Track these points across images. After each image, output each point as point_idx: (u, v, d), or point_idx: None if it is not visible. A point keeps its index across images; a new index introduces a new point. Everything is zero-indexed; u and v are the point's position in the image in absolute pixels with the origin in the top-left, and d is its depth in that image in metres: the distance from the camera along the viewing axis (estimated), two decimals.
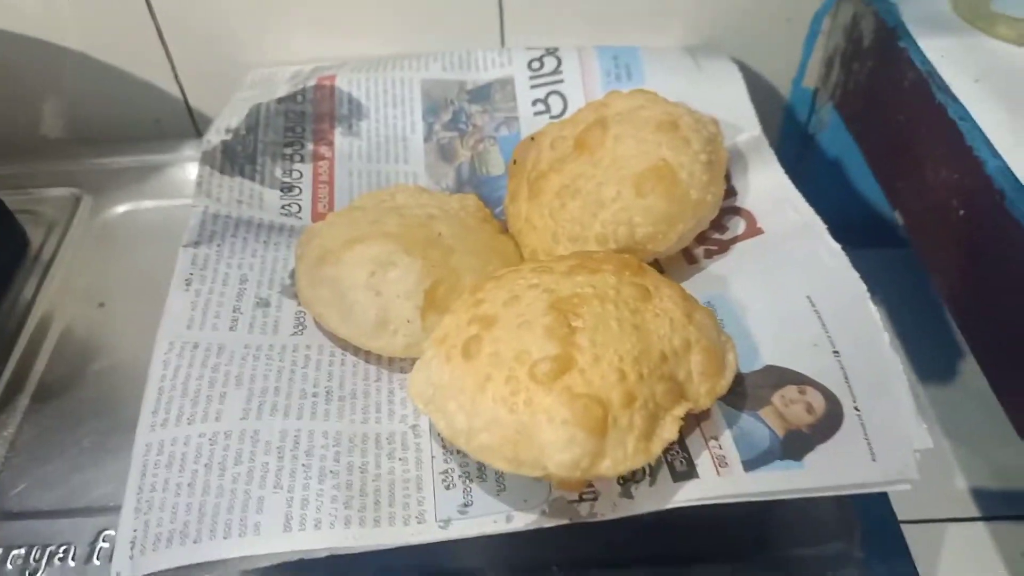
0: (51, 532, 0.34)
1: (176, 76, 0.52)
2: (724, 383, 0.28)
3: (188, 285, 0.34)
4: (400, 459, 0.29)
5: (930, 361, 0.55)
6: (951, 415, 0.52)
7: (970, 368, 0.54)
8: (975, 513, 0.49)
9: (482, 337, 0.27)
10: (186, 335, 0.33)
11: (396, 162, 0.44)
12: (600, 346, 0.26)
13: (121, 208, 0.48)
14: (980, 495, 0.49)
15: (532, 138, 0.40)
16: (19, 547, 0.34)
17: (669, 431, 0.26)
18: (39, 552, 0.33)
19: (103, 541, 0.34)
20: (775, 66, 0.54)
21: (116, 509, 0.34)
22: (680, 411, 0.27)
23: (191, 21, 0.49)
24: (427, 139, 0.45)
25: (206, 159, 0.40)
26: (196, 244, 0.36)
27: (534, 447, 0.25)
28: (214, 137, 0.42)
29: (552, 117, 0.45)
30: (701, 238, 0.37)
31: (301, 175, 0.42)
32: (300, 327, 0.34)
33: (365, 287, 0.33)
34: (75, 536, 0.34)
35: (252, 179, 0.41)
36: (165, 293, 0.42)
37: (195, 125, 0.54)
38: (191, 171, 0.50)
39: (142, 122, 0.54)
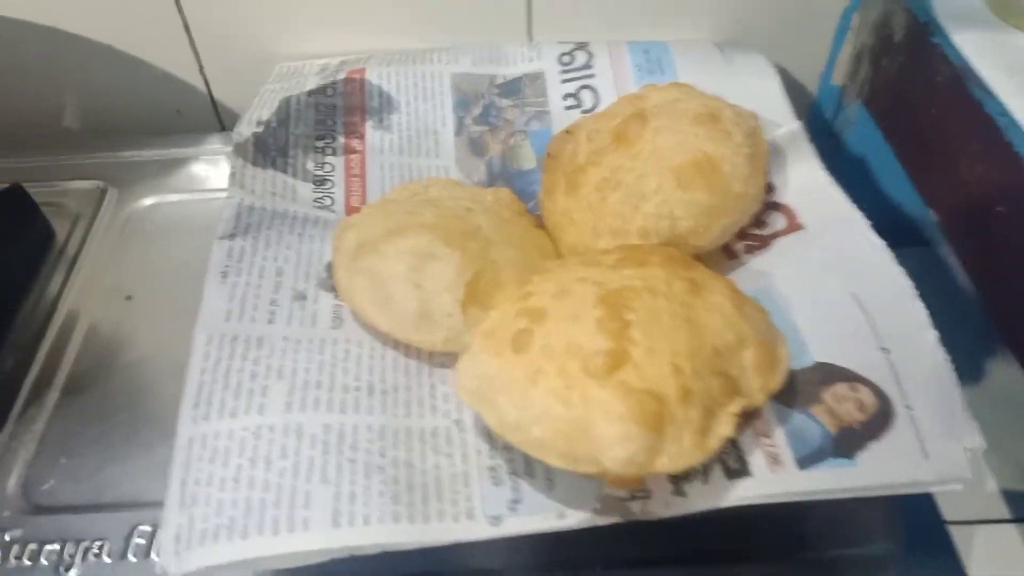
0: (84, 527, 0.34)
1: (201, 68, 0.51)
2: (778, 379, 0.28)
3: (224, 277, 0.34)
4: (446, 454, 0.29)
5: (958, 362, 0.55)
6: (980, 416, 0.52)
7: (1000, 369, 0.54)
8: (1006, 515, 0.48)
9: (532, 331, 0.27)
10: (224, 328, 0.32)
11: (427, 156, 0.43)
12: (654, 340, 0.26)
13: (147, 201, 0.48)
14: (1011, 497, 0.49)
15: (567, 131, 0.40)
16: (52, 542, 0.33)
17: (725, 427, 0.26)
18: (73, 547, 0.33)
19: (137, 536, 0.33)
20: (802, 63, 0.54)
21: (149, 504, 0.34)
22: (735, 407, 0.26)
23: (217, 13, 0.49)
24: (458, 133, 0.44)
25: (238, 151, 0.40)
26: (231, 236, 0.36)
27: (589, 442, 0.25)
28: (245, 129, 0.41)
29: (584, 111, 0.44)
30: (740, 233, 0.37)
31: (333, 168, 0.41)
32: (338, 321, 0.34)
33: (405, 279, 0.32)
34: (108, 531, 0.34)
35: (284, 172, 0.40)
36: (192, 286, 0.41)
37: (219, 118, 0.54)
38: (215, 164, 0.50)
39: (165, 114, 0.54)
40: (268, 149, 0.41)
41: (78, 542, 0.33)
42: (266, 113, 0.42)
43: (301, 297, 0.35)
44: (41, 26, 0.49)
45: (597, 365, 0.25)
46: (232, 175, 0.38)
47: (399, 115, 0.44)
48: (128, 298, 0.43)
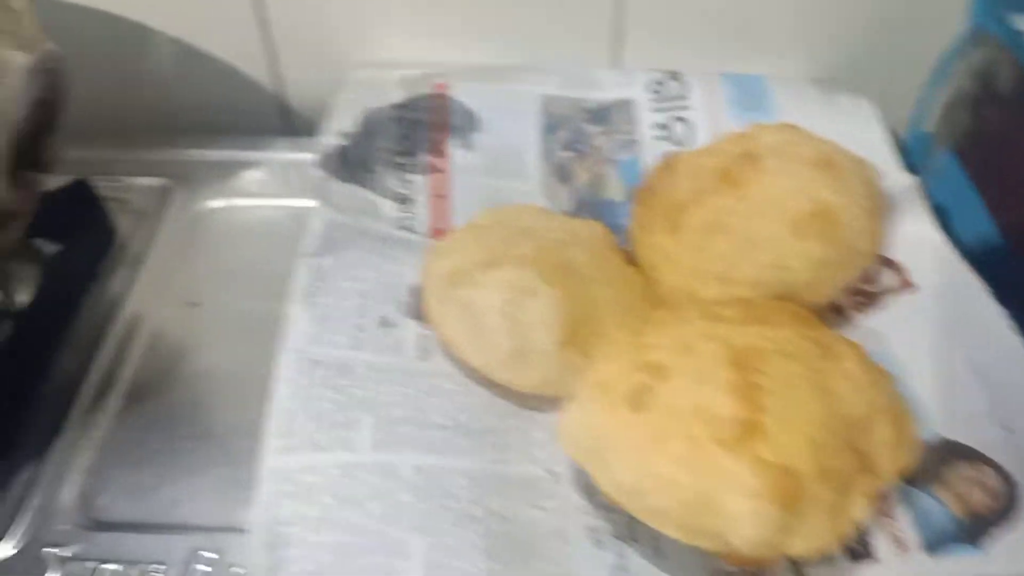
0: (143, 548, 0.32)
1: (274, 69, 0.50)
2: (910, 457, 0.26)
3: (309, 298, 0.33)
4: (542, 508, 0.27)
5: None
6: None
7: None
8: None
9: (654, 389, 0.25)
10: (309, 351, 0.31)
11: (512, 179, 0.42)
12: (788, 408, 0.24)
13: (212, 203, 0.46)
14: None
15: (666, 165, 0.38)
16: (110, 562, 0.32)
17: (859, 509, 0.24)
18: (132, 569, 0.32)
19: (200, 563, 0.32)
20: (890, 106, 0.52)
21: (213, 528, 0.32)
22: (868, 487, 0.24)
23: (296, 14, 0.48)
24: (544, 158, 0.43)
25: (323, 162, 0.38)
26: (317, 254, 0.34)
27: (715, 516, 0.23)
28: (328, 140, 0.40)
29: (674, 144, 0.43)
30: (848, 288, 0.35)
31: (417, 187, 0.40)
32: (424, 351, 0.32)
33: (501, 313, 0.31)
34: (169, 554, 0.32)
35: (367, 187, 0.39)
36: (258, 296, 0.40)
37: (287, 121, 0.53)
38: (282, 170, 0.48)
39: (233, 113, 0.52)
40: (351, 163, 0.39)
41: (135, 563, 0.32)
42: (348, 124, 0.41)
43: (386, 323, 0.33)
44: (110, 14, 0.48)
45: (728, 433, 0.23)
46: (318, 188, 0.37)
47: (484, 135, 0.43)
48: (193, 304, 0.41)
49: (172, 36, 0.49)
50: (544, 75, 0.45)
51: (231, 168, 0.48)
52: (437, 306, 0.32)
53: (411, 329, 0.33)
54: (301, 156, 0.47)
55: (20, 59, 0.31)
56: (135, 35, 0.49)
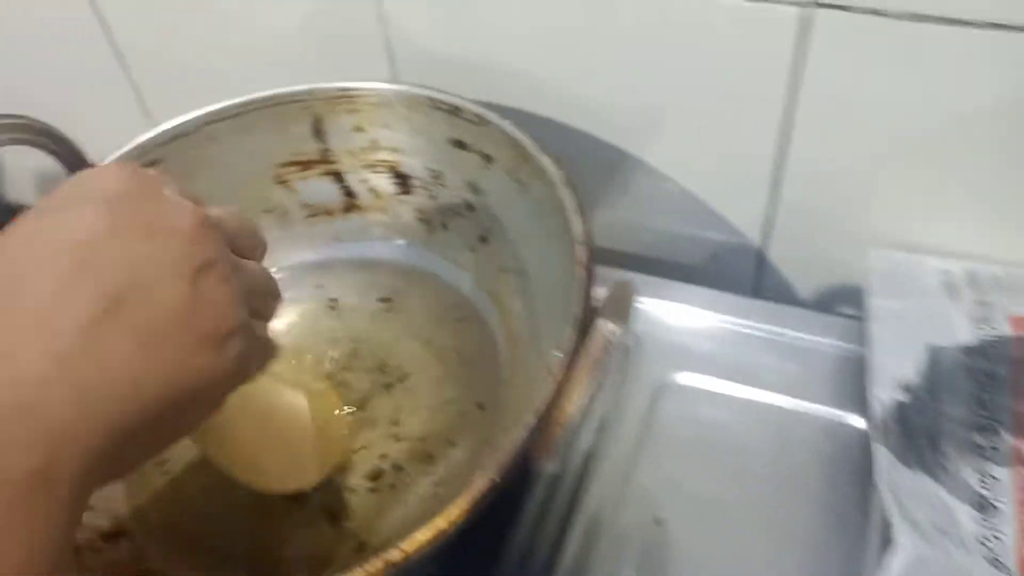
0: None
1: (766, 225, 0.43)
2: None
3: None
4: None
5: None
6: None
7: None
8: None
9: None
10: None
11: None
12: None
13: (677, 377, 0.40)
14: None
15: None
16: None
17: None
18: None
19: None
20: None
21: None
22: None
23: (815, 172, 0.39)
24: None
25: (879, 432, 0.30)
26: None
27: None
28: (885, 393, 0.31)
29: None
30: None
31: (999, 485, 0.30)
32: None
33: None
34: None
35: (936, 479, 0.30)
36: (728, 523, 0.34)
37: (759, 280, 0.45)
38: (754, 345, 0.40)
39: (698, 255, 0.46)
40: (914, 432, 0.30)
41: None
42: (910, 368, 0.32)
43: None
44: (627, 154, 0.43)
45: None
46: (890, 496, 0.28)
47: None
48: (658, 522, 0.36)
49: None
50: None
51: (699, 332, 0.41)
52: None
53: None
54: (790, 334, 0.40)
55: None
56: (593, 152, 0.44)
